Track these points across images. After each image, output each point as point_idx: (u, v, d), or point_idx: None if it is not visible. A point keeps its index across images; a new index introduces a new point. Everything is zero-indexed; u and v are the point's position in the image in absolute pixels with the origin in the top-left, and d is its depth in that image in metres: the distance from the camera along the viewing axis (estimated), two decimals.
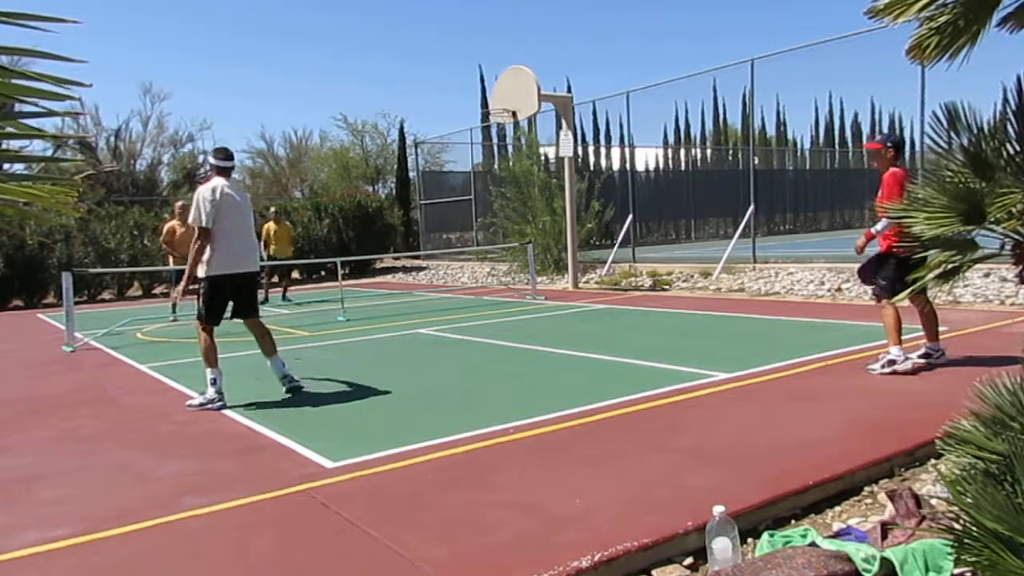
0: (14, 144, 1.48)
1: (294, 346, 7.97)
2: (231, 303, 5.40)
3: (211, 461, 3.95)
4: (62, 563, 2.78)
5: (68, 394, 6.01)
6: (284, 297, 13.68)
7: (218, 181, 5.30)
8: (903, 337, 5.23)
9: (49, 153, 20.47)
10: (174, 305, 11.05)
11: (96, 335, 9.36)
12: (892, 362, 5.14)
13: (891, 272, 5.14)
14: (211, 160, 5.56)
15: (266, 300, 13.12)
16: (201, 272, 5.24)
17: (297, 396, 5.48)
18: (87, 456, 4.19)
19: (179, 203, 11.68)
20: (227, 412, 5.02)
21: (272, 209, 14.26)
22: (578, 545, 2.63)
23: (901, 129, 31.55)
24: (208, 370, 5.24)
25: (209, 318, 5.26)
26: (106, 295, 17.51)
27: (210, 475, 3.71)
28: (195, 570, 2.68)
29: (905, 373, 5.07)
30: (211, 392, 5.21)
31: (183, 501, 3.33)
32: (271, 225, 13.19)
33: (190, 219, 5.35)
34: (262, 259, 11.65)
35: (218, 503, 3.29)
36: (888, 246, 5.15)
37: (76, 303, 10.06)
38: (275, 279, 14.21)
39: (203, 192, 5.22)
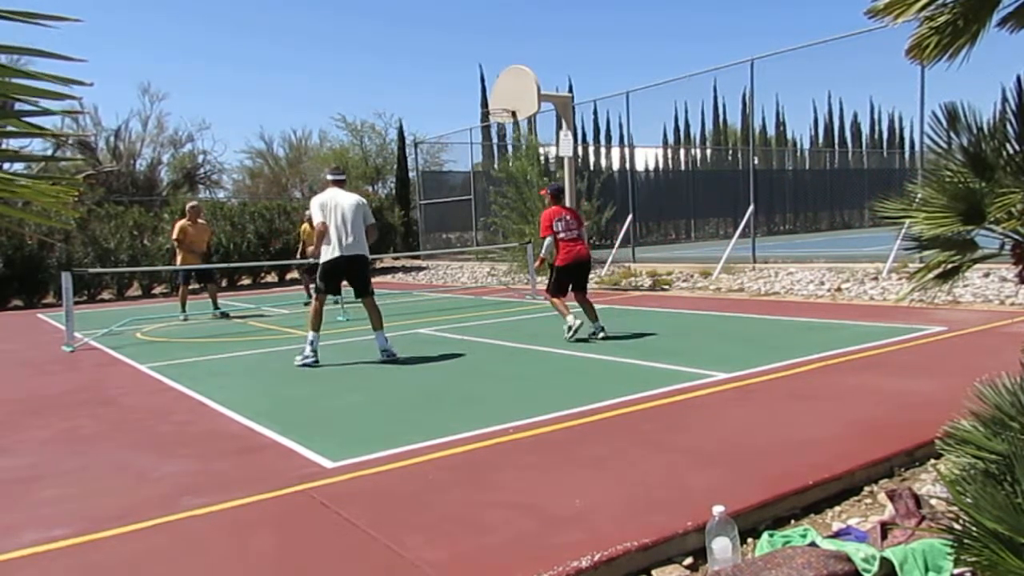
0: (14, 144, 1.48)
1: (294, 346, 7.96)
2: (349, 282, 7.07)
3: (211, 461, 3.95)
4: (62, 563, 2.78)
5: (68, 394, 6.01)
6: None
7: (327, 192, 6.86)
8: None
9: (49, 153, 20.47)
10: (183, 304, 11.09)
11: (96, 335, 9.36)
12: (571, 328, 7.17)
13: (556, 276, 7.44)
14: (327, 175, 7.19)
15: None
16: (322, 258, 6.81)
17: (300, 395, 5.50)
18: (87, 456, 4.19)
19: (191, 203, 11.76)
20: (227, 412, 5.02)
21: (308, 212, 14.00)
22: (578, 545, 2.63)
23: (901, 129, 31.76)
24: (309, 332, 6.72)
25: (326, 289, 6.91)
26: (106, 295, 17.50)
27: (210, 475, 3.71)
28: (195, 570, 2.68)
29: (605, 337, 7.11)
30: (308, 350, 6.66)
31: (183, 501, 3.32)
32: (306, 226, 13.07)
33: (314, 221, 6.82)
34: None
35: (218, 503, 3.28)
36: (557, 261, 7.45)
37: (76, 303, 10.06)
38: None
39: (314, 201, 6.84)
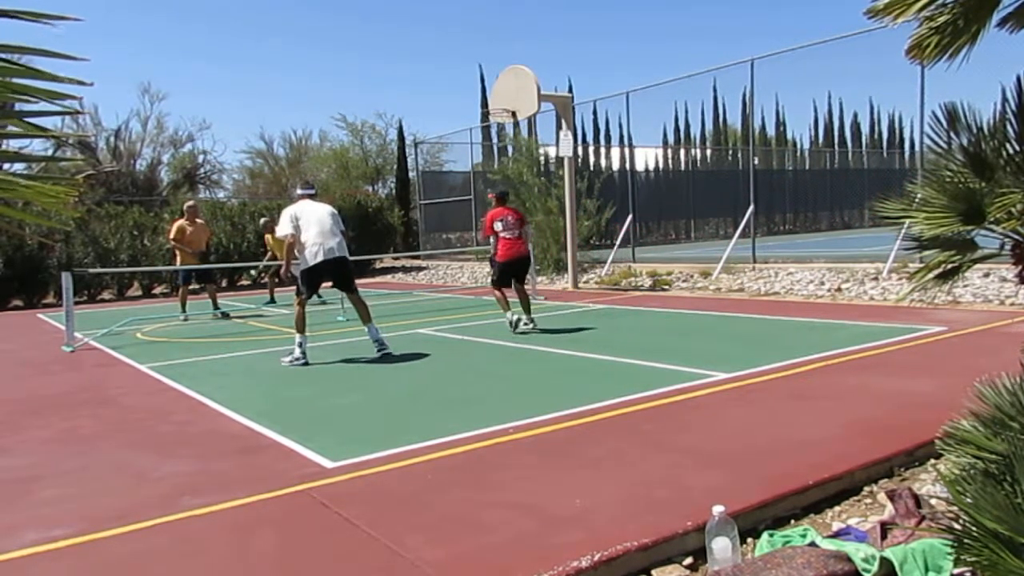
0: (14, 144, 1.48)
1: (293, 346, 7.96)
2: (334, 283, 7.31)
3: (211, 461, 3.95)
4: (62, 563, 2.78)
5: (68, 394, 6.01)
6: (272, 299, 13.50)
7: (299, 204, 7.03)
8: None
9: (49, 153, 20.45)
10: (183, 304, 11.08)
11: (96, 335, 9.36)
12: (511, 323, 7.96)
13: (500, 269, 8.19)
14: (297, 191, 7.41)
15: (272, 300, 13.18)
16: (300, 266, 6.94)
17: (300, 395, 5.50)
18: (87, 456, 4.19)
19: (188, 203, 11.77)
20: (227, 412, 5.02)
21: (263, 220, 14.00)
22: (578, 545, 2.63)
23: (901, 129, 31.76)
24: (297, 335, 6.80)
25: (307, 293, 6.99)
26: (106, 295, 17.50)
27: (210, 475, 3.71)
28: (195, 570, 2.68)
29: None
30: (297, 352, 6.75)
31: (183, 501, 3.33)
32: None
33: (278, 232, 7.02)
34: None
35: (218, 503, 3.28)
36: (498, 257, 8.18)
37: (76, 303, 10.06)
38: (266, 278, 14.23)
39: (284, 213, 6.98)
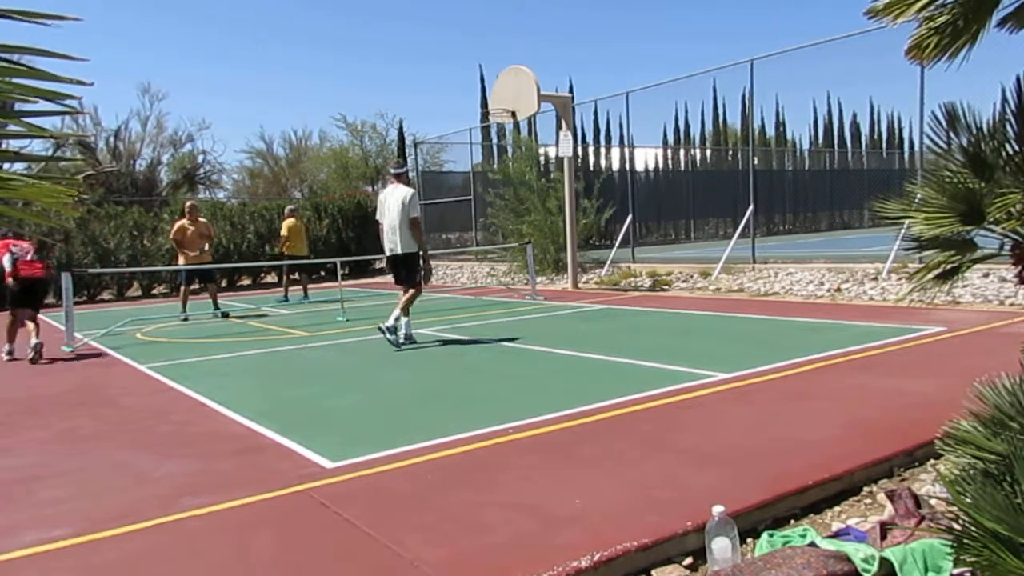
0: (14, 144, 1.48)
1: (294, 346, 7.97)
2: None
3: (211, 461, 3.95)
4: (62, 563, 2.78)
5: (67, 394, 6.01)
6: (305, 295, 13.60)
7: (387, 188, 7.60)
8: None
9: (49, 153, 20.46)
10: (184, 304, 11.07)
11: (96, 335, 9.36)
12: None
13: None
14: (389, 169, 7.85)
15: (286, 298, 13.34)
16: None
17: (300, 395, 5.50)
18: (87, 456, 4.19)
19: (189, 203, 11.75)
20: (227, 412, 5.02)
21: (289, 207, 14.33)
22: (577, 545, 2.63)
23: (901, 129, 31.74)
24: (403, 317, 7.48)
25: (395, 281, 7.79)
26: (105, 295, 17.50)
27: (210, 475, 3.71)
28: (195, 570, 2.68)
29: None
30: (403, 330, 7.42)
31: (183, 501, 3.33)
32: (290, 221, 13.25)
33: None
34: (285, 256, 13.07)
35: (218, 503, 3.28)
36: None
37: (75, 303, 10.05)
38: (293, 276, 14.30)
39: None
